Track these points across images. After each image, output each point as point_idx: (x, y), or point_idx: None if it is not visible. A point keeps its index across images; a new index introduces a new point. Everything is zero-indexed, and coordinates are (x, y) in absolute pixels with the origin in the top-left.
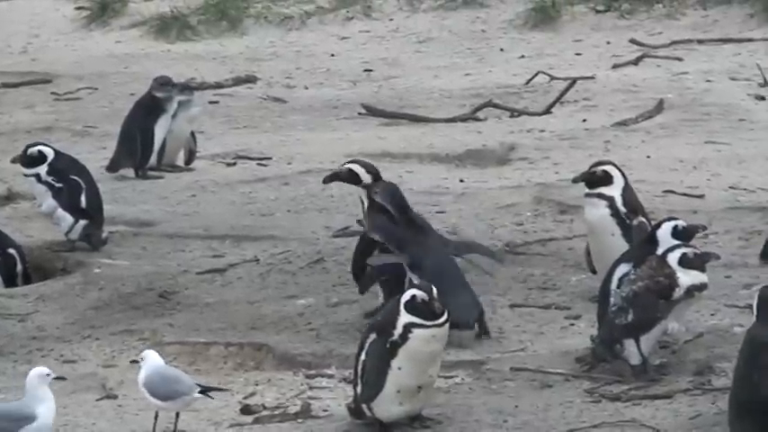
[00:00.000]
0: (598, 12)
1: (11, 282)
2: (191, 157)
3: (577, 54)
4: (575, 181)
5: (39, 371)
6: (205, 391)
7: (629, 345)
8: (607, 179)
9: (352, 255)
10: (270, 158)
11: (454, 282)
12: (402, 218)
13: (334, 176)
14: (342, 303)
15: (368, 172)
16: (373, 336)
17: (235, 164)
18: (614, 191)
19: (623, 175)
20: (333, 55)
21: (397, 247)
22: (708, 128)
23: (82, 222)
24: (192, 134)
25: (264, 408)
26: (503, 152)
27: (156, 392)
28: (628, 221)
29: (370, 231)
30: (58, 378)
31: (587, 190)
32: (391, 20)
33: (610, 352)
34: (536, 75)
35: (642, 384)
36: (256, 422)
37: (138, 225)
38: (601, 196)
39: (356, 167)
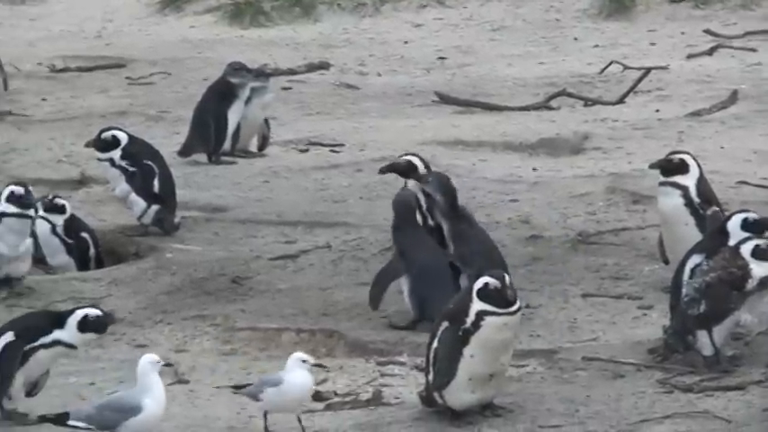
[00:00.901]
0: (673, 2)
1: (84, 265)
2: (264, 142)
3: (651, 44)
4: (651, 167)
5: (148, 358)
6: None
7: (702, 336)
8: (683, 168)
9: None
10: (343, 145)
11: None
12: (450, 210)
13: (391, 167)
14: None
15: (425, 166)
16: (446, 323)
17: (308, 150)
18: (689, 180)
19: (698, 165)
20: (406, 42)
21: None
22: None
23: (155, 207)
24: (266, 120)
25: (336, 394)
26: (576, 141)
27: None
28: (701, 212)
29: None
30: (167, 365)
31: (662, 178)
32: (465, 7)
33: (682, 343)
34: (610, 64)
35: (715, 375)
36: (328, 408)
37: (211, 210)
38: (675, 185)
39: (415, 160)
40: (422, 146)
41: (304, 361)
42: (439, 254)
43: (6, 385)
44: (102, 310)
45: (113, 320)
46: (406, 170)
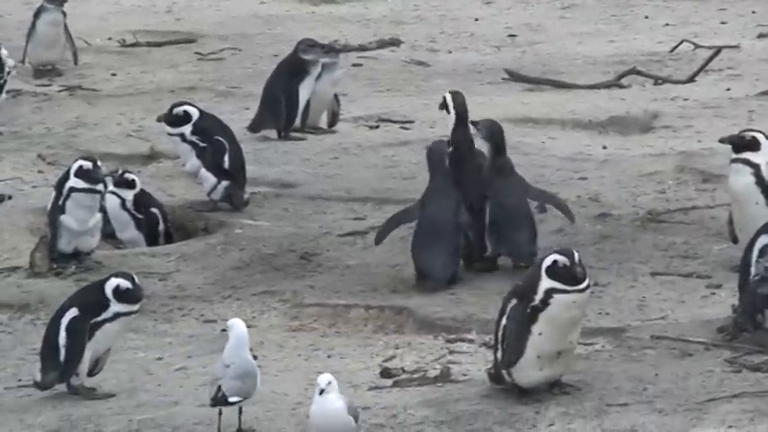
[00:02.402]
0: None
1: (153, 240)
2: (334, 119)
3: (722, 23)
4: (721, 141)
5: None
6: None
7: None
8: (755, 145)
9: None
10: (412, 122)
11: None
12: (495, 156)
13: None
14: (483, 268)
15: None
16: (514, 301)
17: (378, 127)
18: (761, 158)
19: None
20: (477, 19)
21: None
22: None
23: (224, 183)
24: (336, 96)
25: (404, 371)
26: (646, 120)
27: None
28: None
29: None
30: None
31: (733, 155)
32: None
33: (751, 322)
34: (680, 43)
35: None
36: (395, 385)
37: (280, 186)
38: (746, 162)
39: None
40: None
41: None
42: (449, 208)
43: (77, 361)
44: (133, 281)
45: (143, 294)
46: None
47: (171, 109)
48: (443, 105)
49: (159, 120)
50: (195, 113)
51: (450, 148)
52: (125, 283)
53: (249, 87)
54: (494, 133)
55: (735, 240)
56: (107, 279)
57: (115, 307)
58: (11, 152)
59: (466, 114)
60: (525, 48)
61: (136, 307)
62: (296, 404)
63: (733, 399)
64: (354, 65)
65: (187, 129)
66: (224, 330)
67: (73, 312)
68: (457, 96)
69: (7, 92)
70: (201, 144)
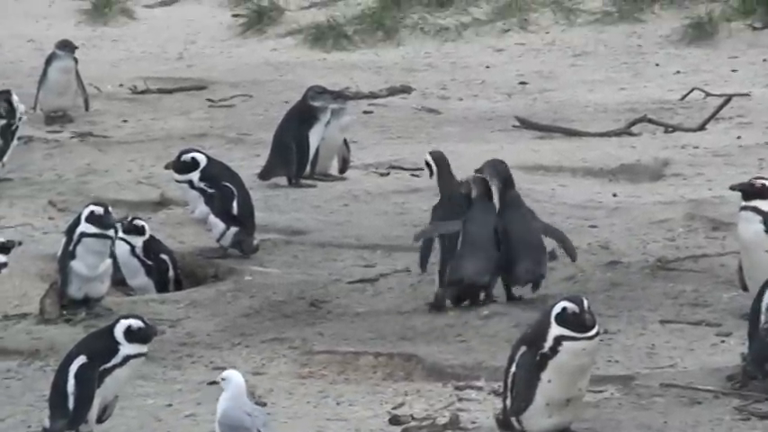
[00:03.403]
0: (755, 29)
1: (163, 287)
2: (344, 165)
3: (733, 71)
4: (732, 188)
5: (237, 373)
6: None
7: None
8: (765, 193)
9: None
10: (423, 169)
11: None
12: (504, 191)
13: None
14: (492, 315)
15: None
16: (523, 348)
17: (388, 174)
18: None
19: None
20: (488, 67)
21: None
22: None
23: (233, 229)
24: (346, 143)
25: (413, 418)
26: (656, 167)
27: None
28: None
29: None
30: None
31: (743, 202)
32: (547, 33)
33: (760, 370)
34: (691, 91)
35: None
36: None
37: (290, 233)
38: (756, 210)
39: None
40: None
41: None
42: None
43: (86, 408)
44: (144, 321)
45: (156, 332)
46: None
47: (179, 156)
48: (428, 166)
49: (167, 167)
50: (203, 160)
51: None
52: (136, 323)
53: (260, 134)
54: (499, 170)
55: (744, 288)
56: (116, 322)
57: (125, 349)
58: (22, 198)
59: (448, 165)
60: (536, 95)
61: (146, 348)
62: None
63: None
64: (365, 112)
65: (195, 175)
66: (214, 383)
67: (82, 359)
68: (435, 153)
69: (18, 138)
70: (210, 190)
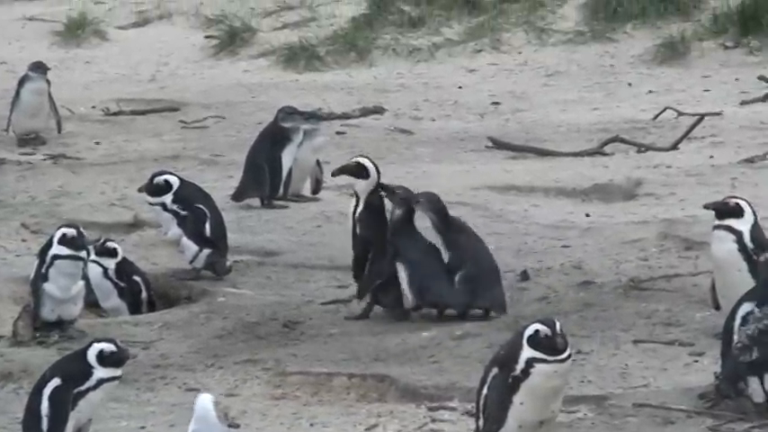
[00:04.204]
0: (727, 48)
1: (136, 309)
2: (317, 186)
3: (705, 90)
4: (705, 207)
5: (208, 397)
6: None
7: (753, 382)
8: (738, 212)
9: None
10: None
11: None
12: (442, 224)
13: (343, 170)
14: (465, 336)
15: (377, 170)
16: (495, 370)
17: None
18: (743, 225)
19: (754, 212)
20: (460, 87)
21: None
22: None
23: (206, 251)
24: (319, 163)
25: None
26: (629, 187)
27: None
28: (755, 258)
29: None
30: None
31: (716, 221)
32: (520, 53)
33: (733, 389)
34: (664, 110)
35: (765, 422)
36: None
37: (263, 255)
38: (729, 229)
39: (365, 161)
40: (474, 191)
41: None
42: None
43: (60, 430)
44: (116, 344)
45: (129, 355)
46: (357, 171)
47: (151, 178)
48: (360, 168)
49: (140, 190)
50: (176, 182)
51: (363, 210)
52: (108, 347)
53: (233, 155)
54: (434, 203)
55: (717, 308)
56: (89, 346)
57: (99, 373)
58: None
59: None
60: (509, 115)
61: (119, 372)
62: None
63: None
64: (338, 132)
65: (168, 198)
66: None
67: (56, 382)
68: (372, 162)
69: None
70: (182, 212)
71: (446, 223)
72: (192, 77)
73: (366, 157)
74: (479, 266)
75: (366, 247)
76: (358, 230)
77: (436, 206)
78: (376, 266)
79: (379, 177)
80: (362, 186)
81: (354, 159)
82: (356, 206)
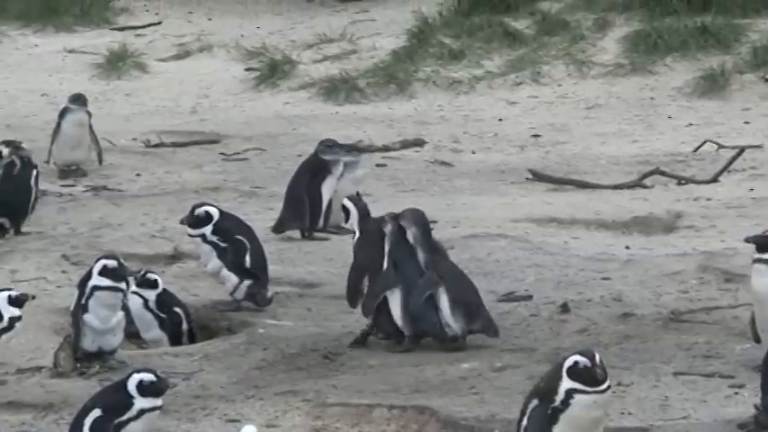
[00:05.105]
0: (767, 80)
1: (176, 340)
2: None
3: (746, 123)
4: (747, 240)
5: (251, 429)
6: None
7: None
8: None
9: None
10: (436, 222)
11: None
12: (425, 241)
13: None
14: (506, 368)
15: (356, 206)
16: (535, 401)
17: None
18: None
19: None
20: (501, 120)
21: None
22: None
23: (246, 282)
24: (358, 195)
25: None
26: (669, 220)
27: None
28: None
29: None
30: None
31: (756, 254)
32: (560, 85)
33: None
34: (704, 143)
35: None
36: None
37: (304, 286)
38: None
39: (347, 202)
40: (515, 223)
41: None
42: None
43: None
44: (156, 374)
45: (168, 385)
46: (345, 213)
47: (192, 210)
48: (345, 210)
49: (182, 222)
50: (216, 214)
51: (358, 237)
52: (148, 377)
53: (273, 187)
54: (418, 218)
55: (757, 340)
56: (129, 376)
57: (140, 403)
58: (35, 252)
59: (366, 209)
60: (549, 148)
61: (159, 402)
62: None
63: None
64: (378, 165)
65: (208, 229)
66: None
67: (96, 413)
68: (354, 197)
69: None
70: (222, 244)
71: (429, 241)
72: (232, 109)
73: (348, 198)
74: (463, 290)
75: (362, 273)
76: (354, 257)
77: (420, 221)
78: (374, 288)
79: (361, 209)
80: (354, 220)
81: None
82: (353, 236)
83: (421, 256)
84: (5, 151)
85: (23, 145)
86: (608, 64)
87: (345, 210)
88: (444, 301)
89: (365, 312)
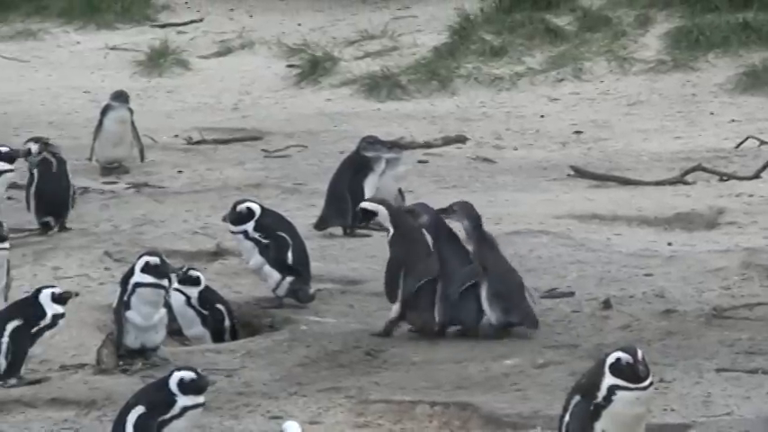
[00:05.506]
0: None
1: (219, 337)
2: None
3: None
4: None
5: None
6: None
7: None
8: None
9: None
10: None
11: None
12: (476, 233)
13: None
14: (548, 364)
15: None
16: (577, 397)
17: None
18: None
19: None
20: (542, 116)
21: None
22: None
23: (289, 279)
24: (401, 192)
25: None
26: (711, 216)
27: None
28: None
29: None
30: None
31: None
32: (602, 82)
33: None
34: (746, 139)
35: None
36: None
37: (346, 283)
38: None
39: (368, 204)
40: (557, 219)
41: None
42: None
43: None
44: (196, 372)
45: (209, 382)
46: (369, 215)
47: (234, 206)
48: (367, 212)
49: (224, 219)
50: (258, 210)
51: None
52: (189, 375)
53: (315, 184)
54: (469, 211)
55: None
56: (170, 374)
57: (182, 401)
58: (78, 249)
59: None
60: (591, 144)
61: (202, 399)
62: None
63: None
64: (420, 161)
65: (250, 226)
66: None
67: (140, 410)
68: (377, 199)
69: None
70: (264, 241)
71: (480, 232)
72: (274, 106)
73: (367, 200)
74: (506, 281)
75: (398, 268)
76: (390, 252)
77: (470, 213)
78: (408, 283)
79: (390, 207)
80: (383, 218)
81: (361, 206)
82: (388, 234)
83: (470, 247)
84: (35, 148)
85: (51, 141)
86: (650, 60)
87: (370, 213)
88: (484, 291)
89: (390, 298)
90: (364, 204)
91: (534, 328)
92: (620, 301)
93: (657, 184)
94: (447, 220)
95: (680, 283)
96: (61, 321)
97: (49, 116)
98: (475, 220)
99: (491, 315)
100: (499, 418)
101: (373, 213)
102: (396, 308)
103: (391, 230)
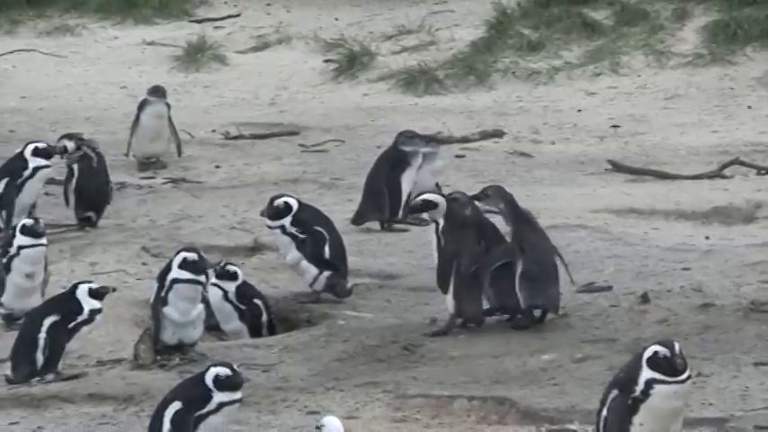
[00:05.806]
0: None
1: (256, 332)
2: None
3: None
4: None
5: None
6: None
7: None
8: None
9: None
10: None
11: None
12: (513, 214)
13: (414, 209)
14: (586, 359)
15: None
16: (615, 391)
17: None
18: None
19: None
20: (580, 110)
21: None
22: None
23: (326, 273)
24: (438, 186)
25: None
26: (749, 210)
27: None
28: None
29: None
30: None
31: None
32: (639, 76)
33: None
34: None
35: None
36: None
37: (383, 278)
38: None
39: (430, 196)
40: (594, 213)
41: None
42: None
43: None
44: (232, 368)
45: (243, 379)
46: (427, 206)
47: (271, 201)
48: (428, 203)
49: (262, 214)
50: (295, 205)
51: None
52: (224, 371)
53: (352, 179)
54: (503, 193)
55: None
56: (206, 370)
57: (218, 397)
58: (115, 244)
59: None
60: (628, 138)
61: (238, 395)
62: None
63: None
64: (457, 156)
65: (287, 220)
66: (318, 429)
67: (177, 405)
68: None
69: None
70: (301, 235)
71: (517, 213)
72: (311, 101)
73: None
74: (540, 263)
75: (452, 258)
76: (443, 243)
77: (505, 196)
78: (461, 275)
79: (448, 200)
80: (439, 212)
81: (419, 198)
82: (437, 225)
83: (506, 228)
84: (70, 145)
85: (85, 136)
86: (687, 54)
87: (431, 203)
88: (518, 272)
89: (441, 286)
90: (426, 196)
91: (555, 313)
92: (658, 295)
93: (695, 178)
94: (482, 205)
95: (718, 277)
96: (98, 317)
97: (87, 112)
98: (510, 201)
99: (520, 296)
100: (536, 412)
101: (434, 204)
102: (450, 301)
103: (442, 222)
